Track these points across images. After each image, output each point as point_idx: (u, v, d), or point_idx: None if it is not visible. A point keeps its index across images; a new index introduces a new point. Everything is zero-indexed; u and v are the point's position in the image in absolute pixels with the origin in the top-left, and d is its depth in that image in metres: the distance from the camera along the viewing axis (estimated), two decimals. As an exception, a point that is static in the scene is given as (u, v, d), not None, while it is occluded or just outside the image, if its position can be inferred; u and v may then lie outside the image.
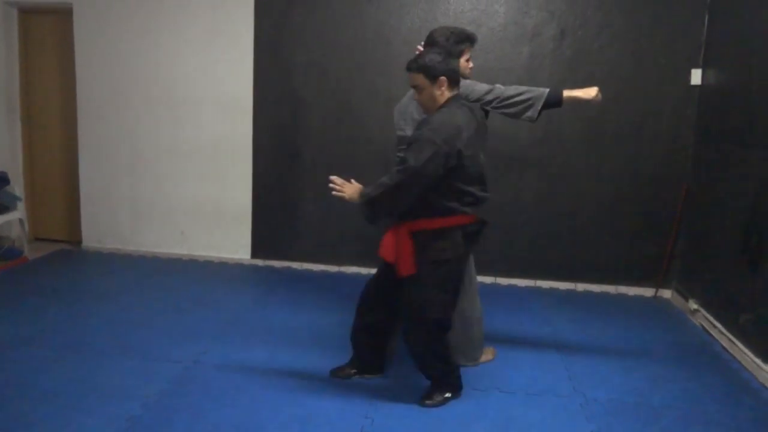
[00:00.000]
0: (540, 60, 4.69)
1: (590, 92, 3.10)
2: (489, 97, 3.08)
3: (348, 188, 2.81)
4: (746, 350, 3.54)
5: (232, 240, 5.26)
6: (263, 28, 4.96)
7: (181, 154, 5.22)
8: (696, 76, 4.51)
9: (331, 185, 2.83)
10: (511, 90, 3.10)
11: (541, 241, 4.88)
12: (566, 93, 3.11)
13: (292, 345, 3.60)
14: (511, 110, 3.10)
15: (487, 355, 3.44)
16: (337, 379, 3.18)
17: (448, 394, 2.99)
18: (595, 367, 3.46)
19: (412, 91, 3.27)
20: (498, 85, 3.13)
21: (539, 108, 3.08)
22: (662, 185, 4.68)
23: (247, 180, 5.16)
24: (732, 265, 3.84)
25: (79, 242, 5.51)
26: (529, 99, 3.07)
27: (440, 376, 2.99)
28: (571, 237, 4.84)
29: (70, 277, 4.74)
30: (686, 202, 4.61)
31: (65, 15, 5.25)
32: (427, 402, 2.95)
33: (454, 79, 2.80)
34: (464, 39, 3.11)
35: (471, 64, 3.20)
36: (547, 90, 3.10)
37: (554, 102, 3.10)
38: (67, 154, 5.52)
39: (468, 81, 3.10)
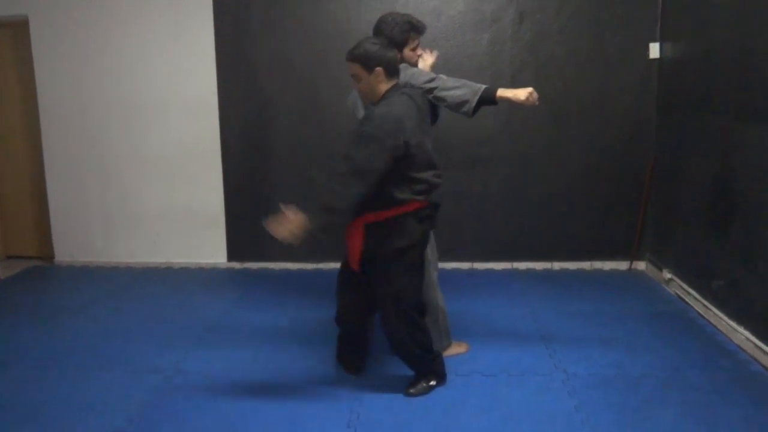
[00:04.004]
0: (500, 45, 4.71)
1: (519, 95, 2.89)
2: (430, 86, 2.99)
3: (285, 224, 2.71)
4: (720, 314, 3.62)
5: (206, 244, 5.22)
6: (223, 27, 4.91)
7: (149, 161, 5.16)
8: (654, 50, 4.57)
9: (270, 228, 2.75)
10: (450, 82, 3.00)
11: (514, 224, 4.92)
12: (499, 92, 2.95)
13: (274, 345, 3.59)
14: (447, 102, 2.99)
15: (458, 348, 3.41)
16: (321, 377, 3.18)
17: (432, 382, 3.00)
18: (575, 343, 3.51)
19: None
20: (441, 76, 3.03)
21: (473, 105, 2.95)
22: (629, 159, 4.75)
23: (217, 182, 5.11)
24: (702, 232, 3.91)
25: (51, 257, 5.43)
26: (464, 95, 2.95)
27: (424, 365, 3.01)
28: (544, 218, 4.89)
29: (44, 294, 4.67)
30: (654, 174, 4.68)
31: (21, 27, 5.13)
32: (412, 391, 2.97)
33: (391, 69, 2.77)
34: (408, 28, 3.03)
35: (419, 53, 3.15)
36: (483, 87, 2.97)
37: (489, 100, 2.97)
38: (33, 168, 5.41)
39: (414, 69, 3.05)
